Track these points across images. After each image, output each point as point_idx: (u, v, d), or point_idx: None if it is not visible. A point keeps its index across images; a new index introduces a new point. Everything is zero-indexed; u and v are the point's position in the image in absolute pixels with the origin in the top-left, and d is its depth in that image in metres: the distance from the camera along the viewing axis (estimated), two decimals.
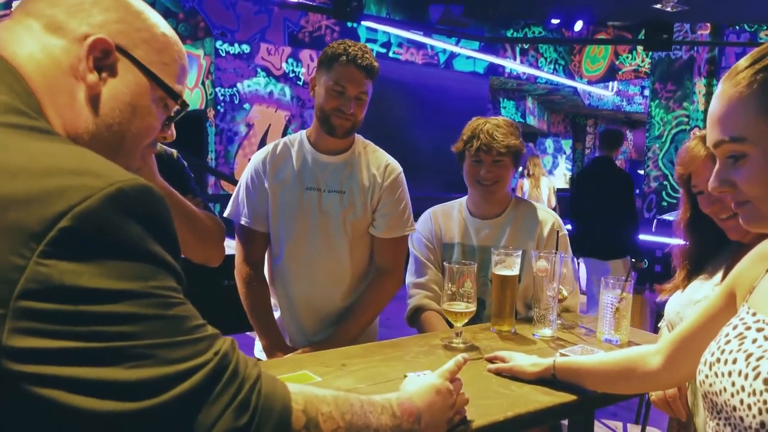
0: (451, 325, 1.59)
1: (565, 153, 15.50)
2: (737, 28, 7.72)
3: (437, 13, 6.83)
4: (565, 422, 1.82)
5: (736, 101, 0.76)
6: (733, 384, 0.77)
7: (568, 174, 15.50)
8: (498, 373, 1.32)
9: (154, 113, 0.77)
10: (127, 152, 0.77)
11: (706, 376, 0.84)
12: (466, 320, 1.53)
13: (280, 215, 1.80)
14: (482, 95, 10.13)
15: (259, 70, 7.87)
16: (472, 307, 1.51)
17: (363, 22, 7.45)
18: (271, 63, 8.01)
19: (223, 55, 7.63)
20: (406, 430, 0.84)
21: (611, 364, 1.17)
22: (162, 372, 0.58)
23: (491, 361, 1.38)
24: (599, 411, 3.34)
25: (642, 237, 5.84)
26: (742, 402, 0.75)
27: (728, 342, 0.82)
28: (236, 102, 7.74)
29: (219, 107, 7.61)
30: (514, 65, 10.26)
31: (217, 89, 7.58)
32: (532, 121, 12.90)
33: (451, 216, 2.02)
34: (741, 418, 0.76)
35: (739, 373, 0.77)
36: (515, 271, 1.67)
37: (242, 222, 1.84)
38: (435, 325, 1.84)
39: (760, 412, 0.72)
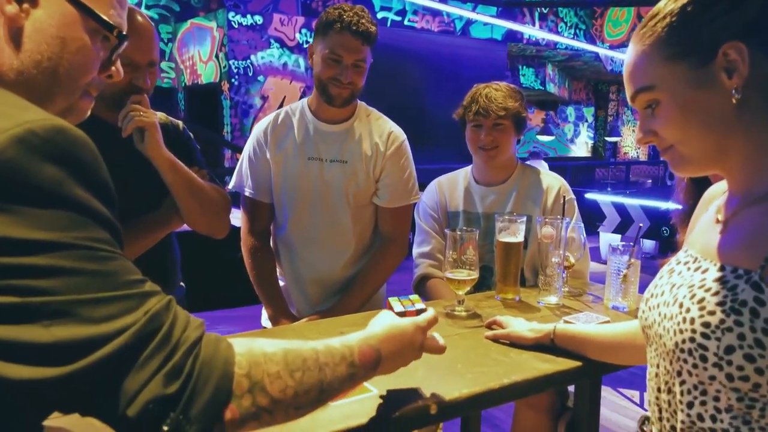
0: None
1: (587, 121, 15.20)
2: None
3: None
4: (572, 388, 1.80)
5: (641, 54, 0.81)
6: (660, 314, 0.83)
7: (590, 143, 15.24)
8: (496, 339, 1.30)
9: (88, 46, 0.72)
10: (64, 90, 0.72)
11: (642, 311, 0.90)
12: (469, 288, 1.50)
13: (282, 186, 1.78)
14: (500, 62, 9.93)
15: (272, 41, 7.80)
16: (475, 275, 1.49)
17: None
18: (285, 34, 7.93)
19: (236, 26, 7.57)
20: (361, 376, 0.81)
21: (610, 335, 1.15)
22: (83, 332, 0.54)
23: (490, 327, 1.36)
24: (615, 379, 3.32)
25: (666, 205, 5.74)
26: (664, 328, 0.81)
27: (661, 278, 0.89)
28: (250, 74, 7.70)
29: (233, 80, 7.58)
30: (532, 31, 10.02)
31: (230, 62, 7.54)
32: (552, 88, 12.64)
33: (456, 185, 1.99)
34: (664, 344, 0.81)
35: (665, 303, 0.83)
36: (519, 238, 1.63)
37: (246, 193, 1.83)
38: (441, 292, 1.82)
39: (675, 334, 0.78)
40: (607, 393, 3.27)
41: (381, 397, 1.02)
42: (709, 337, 0.72)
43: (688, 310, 0.76)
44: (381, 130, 1.80)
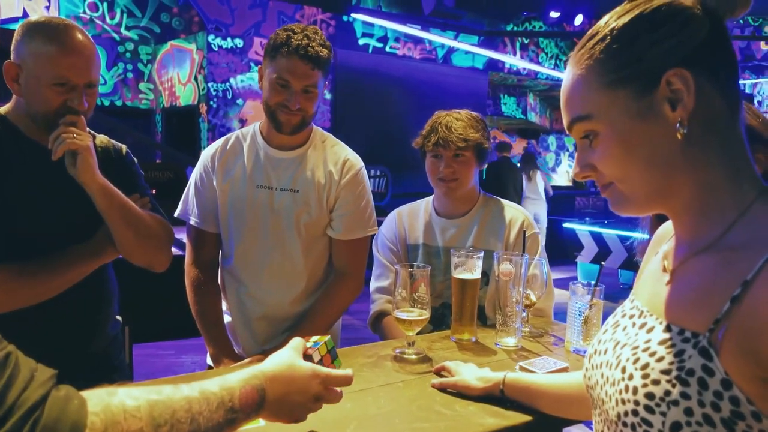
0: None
1: (567, 150, 15.32)
2: (741, 21, 7.55)
3: (429, 5, 6.69)
4: None
5: (578, 79, 0.73)
6: (602, 375, 0.74)
7: (571, 172, 15.35)
8: (443, 388, 1.20)
9: None
10: None
11: (586, 370, 0.81)
12: (420, 328, 1.41)
13: (229, 215, 1.68)
14: (482, 91, 9.98)
15: (252, 64, 7.75)
16: (426, 315, 1.39)
17: (359, 16, 7.32)
18: None
19: (216, 49, 7.52)
20: (242, 419, 0.75)
21: (563, 387, 1.05)
22: None
23: (438, 373, 1.26)
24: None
25: (634, 235, 5.72)
26: (606, 393, 0.72)
27: (605, 332, 0.80)
28: (229, 97, 7.63)
29: (212, 102, 7.49)
30: (514, 60, 10.11)
31: (209, 84, 7.47)
32: (533, 117, 12.74)
33: (417, 216, 1.90)
34: (607, 411, 0.72)
35: (607, 364, 0.74)
36: (476, 275, 1.54)
37: (191, 222, 1.72)
38: (398, 330, 1.72)
39: (617, 403, 0.69)
40: None
41: None
42: (654, 410, 0.63)
43: (631, 377, 0.67)
44: (336, 158, 1.71)
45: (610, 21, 0.72)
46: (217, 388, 0.73)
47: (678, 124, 0.67)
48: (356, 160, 1.73)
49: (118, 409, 0.60)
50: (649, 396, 0.64)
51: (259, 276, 1.68)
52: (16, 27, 1.37)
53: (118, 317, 1.66)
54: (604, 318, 1.51)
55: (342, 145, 1.76)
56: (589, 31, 0.74)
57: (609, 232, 6.23)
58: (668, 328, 0.67)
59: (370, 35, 8.61)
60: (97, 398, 0.59)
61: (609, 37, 0.70)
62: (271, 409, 0.80)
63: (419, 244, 1.85)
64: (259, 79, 1.64)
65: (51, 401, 0.55)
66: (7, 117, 1.40)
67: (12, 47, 1.35)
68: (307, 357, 0.91)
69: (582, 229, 6.54)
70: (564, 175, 15.21)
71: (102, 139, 1.56)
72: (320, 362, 0.94)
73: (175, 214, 1.76)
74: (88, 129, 1.41)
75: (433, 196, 1.91)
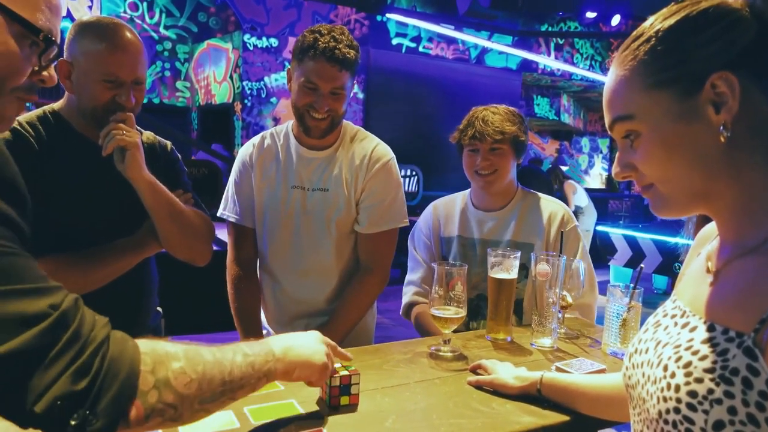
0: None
1: (601, 152, 15.09)
2: None
3: (464, 5, 6.66)
4: None
5: (621, 79, 0.73)
6: (644, 375, 0.74)
7: (605, 174, 15.11)
8: (479, 386, 1.20)
9: (14, 50, 0.69)
10: None
11: (626, 368, 0.81)
12: (456, 326, 1.41)
13: (264, 215, 1.71)
14: (515, 92, 9.90)
15: (287, 63, 7.84)
16: (462, 313, 1.39)
17: (393, 16, 7.33)
18: None
19: (251, 48, 7.62)
20: (261, 363, 0.84)
21: (602, 387, 1.04)
22: None
23: (475, 371, 1.27)
24: None
25: (675, 239, 5.58)
26: (647, 392, 0.72)
27: (646, 331, 0.80)
28: (263, 96, 7.73)
29: (246, 101, 7.60)
30: (548, 61, 10.00)
31: (244, 83, 7.58)
32: (567, 119, 12.58)
33: (453, 208, 1.90)
34: (647, 410, 0.72)
35: (648, 363, 0.73)
36: (513, 275, 1.54)
37: (232, 219, 1.75)
38: (430, 323, 1.71)
39: (658, 401, 0.68)
40: None
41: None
42: (696, 408, 0.63)
43: (673, 375, 0.67)
44: (364, 151, 1.69)
45: (656, 22, 0.71)
46: (228, 345, 0.83)
47: (721, 128, 0.66)
48: (385, 151, 1.71)
49: (162, 351, 0.70)
50: (692, 394, 0.64)
51: (293, 274, 1.70)
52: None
53: (159, 308, 1.70)
54: (642, 321, 1.49)
55: (371, 138, 1.75)
56: (634, 32, 0.74)
57: (643, 236, 6.12)
58: (712, 328, 0.67)
59: (404, 35, 8.62)
60: (144, 342, 0.69)
61: (654, 39, 0.70)
62: (282, 350, 0.89)
63: (454, 236, 1.85)
64: (287, 81, 1.65)
65: (112, 340, 0.64)
66: (60, 113, 1.45)
67: (65, 46, 1.40)
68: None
69: (615, 233, 6.44)
70: (597, 177, 14.98)
71: (148, 135, 1.60)
72: (331, 387, 1.08)
73: (218, 214, 1.79)
74: (135, 126, 1.45)
75: (469, 189, 1.90)
